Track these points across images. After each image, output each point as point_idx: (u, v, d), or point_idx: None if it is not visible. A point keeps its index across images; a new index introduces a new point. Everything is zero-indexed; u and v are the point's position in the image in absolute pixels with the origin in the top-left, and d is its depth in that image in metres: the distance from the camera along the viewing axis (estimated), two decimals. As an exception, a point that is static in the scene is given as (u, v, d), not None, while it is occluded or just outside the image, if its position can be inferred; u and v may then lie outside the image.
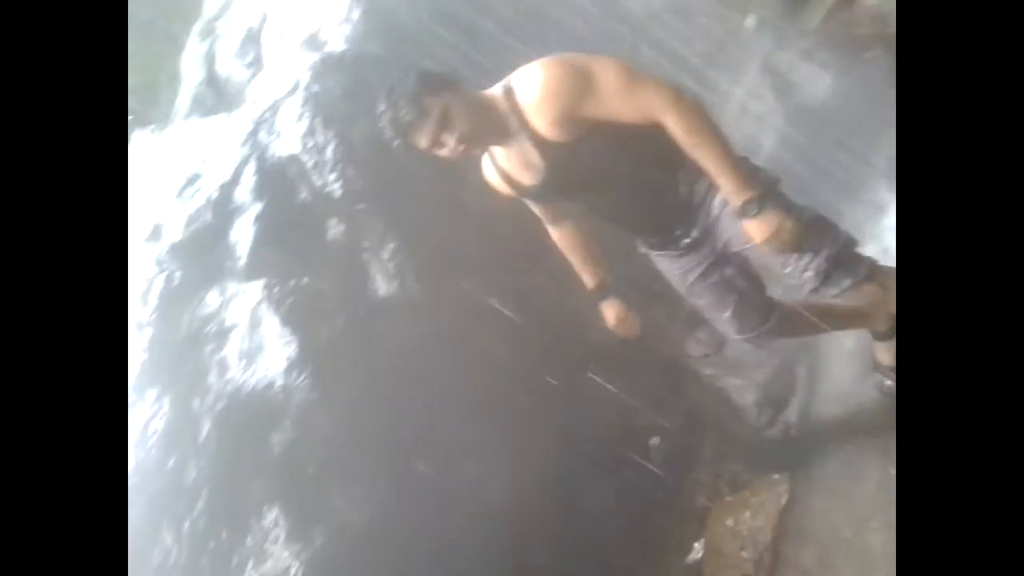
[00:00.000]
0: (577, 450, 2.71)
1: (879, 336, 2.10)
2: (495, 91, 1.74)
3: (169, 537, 2.20)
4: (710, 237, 1.89)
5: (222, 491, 2.26)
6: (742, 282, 1.99)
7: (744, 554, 2.59)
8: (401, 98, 1.67)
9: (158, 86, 5.01)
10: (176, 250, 2.70)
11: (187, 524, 2.21)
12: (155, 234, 2.78)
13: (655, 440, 3.05)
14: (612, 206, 1.88)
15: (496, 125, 1.72)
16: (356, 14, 3.44)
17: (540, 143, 1.70)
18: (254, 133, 3.02)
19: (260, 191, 2.85)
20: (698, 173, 1.74)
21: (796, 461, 2.67)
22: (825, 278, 1.80)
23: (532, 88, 1.65)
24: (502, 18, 3.54)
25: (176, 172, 3.04)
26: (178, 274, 2.64)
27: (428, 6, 3.49)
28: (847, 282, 1.82)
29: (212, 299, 2.59)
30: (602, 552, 2.48)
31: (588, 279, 2.08)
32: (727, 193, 1.71)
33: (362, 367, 2.42)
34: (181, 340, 2.47)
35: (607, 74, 1.63)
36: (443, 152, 1.71)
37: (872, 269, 1.86)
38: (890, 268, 1.94)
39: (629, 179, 1.78)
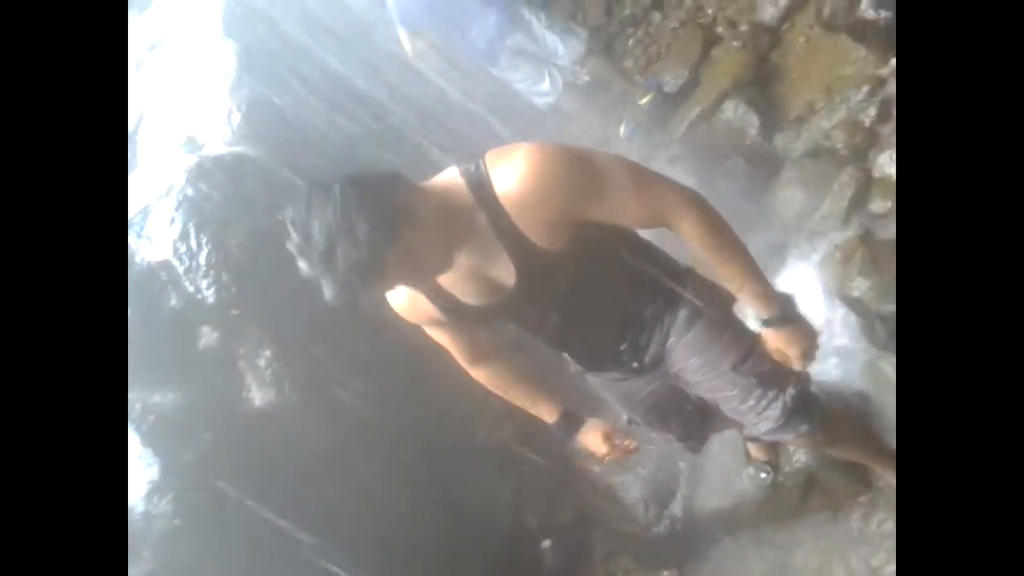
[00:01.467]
0: (469, 554, 2.63)
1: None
2: (451, 178, 1.37)
3: None
4: (662, 362, 1.65)
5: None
6: (691, 401, 1.80)
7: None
8: (354, 268, 1.23)
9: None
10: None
11: None
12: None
13: (547, 543, 3.02)
14: (570, 325, 1.57)
15: (449, 228, 1.35)
16: (236, 116, 3.42)
17: (519, 248, 1.35)
18: (122, 237, 2.90)
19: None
20: (657, 289, 1.56)
21: (684, 554, 2.70)
22: (787, 420, 1.63)
23: (525, 178, 1.31)
24: (390, 119, 3.60)
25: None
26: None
27: (309, 110, 3.51)
28: (804, 427, 1.66)
29: (66, 418, 2.40)
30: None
31: (547, 413, 1.75)
32: (753, 299, 1.51)
33: (232, 486, 2.28)
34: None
35: (616, 169, 1.37)
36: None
37: (825, 416, 1.71)
38: (837, 412, 1.84)
39: (599, 292, 1.52)
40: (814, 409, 1.68)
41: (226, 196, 3.01)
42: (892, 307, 2.45)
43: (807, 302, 3.12)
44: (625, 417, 1.90)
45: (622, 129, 3.94)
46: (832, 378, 2.75)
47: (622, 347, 1.63)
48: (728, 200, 3.49)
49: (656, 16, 4.27)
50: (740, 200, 3.48)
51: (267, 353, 2.70)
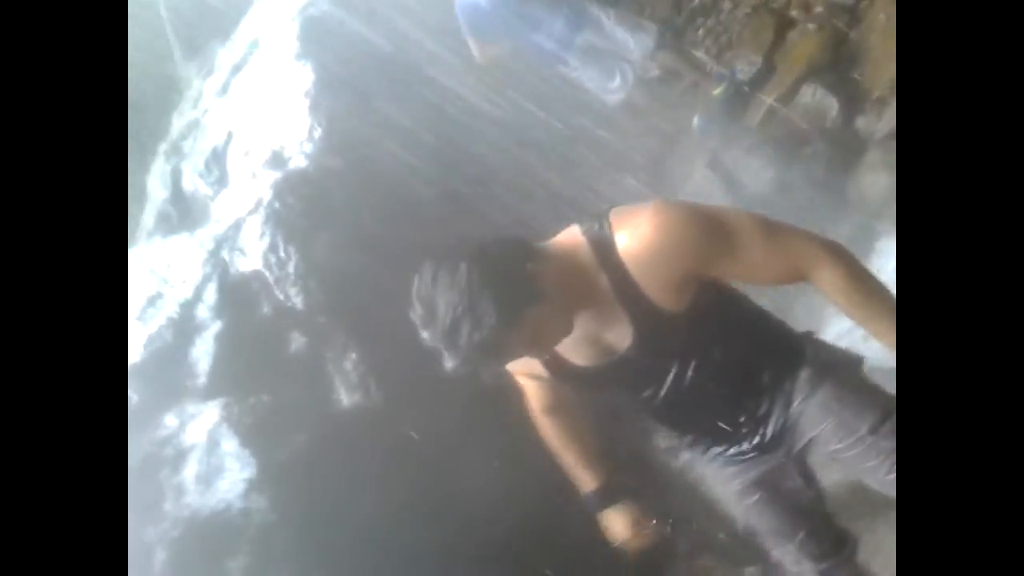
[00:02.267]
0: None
1: None
2: (573, 237, 1.36)
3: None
4: (788, 435, 1.50)
5: (178, 624, 2.17)
6: (814, 497, 1.60)
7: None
8: (478, 347, 1.24)
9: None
10: (135, 372, 2.69)
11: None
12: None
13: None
14: (684, 394, 1.46)
15: (582, 293, 1.34)
16: (317, 131, 3.57)
17: (639, 308, 1.32)
18: (216, 251, 3.07)
19: (221, 308, 2.88)
20: (775, 353, 1.46)
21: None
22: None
23: (651, 237, 1.29)
24: (455, 130, 3.67)
25: (137, 293, 3.06)
26: (135, 397, 2.62)
27: (388, 122, 3.62)
28: None
29: (170, 421, 2.56)
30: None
31: (589, 479, 1.64)
32: None
33: (323, 484, 2.38)
34: (136, 466, 2.42)
35: (747, 225, 1.32)
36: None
37: None
38: None
39: (719, 358, 1.43)
40: None
41: (310, 208, 3.14)
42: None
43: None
44: (741, 524, 1.68)
45: (695, 121, 3.88)
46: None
47: (741, 418, 1.50)
48: (809, 187, 3.41)
49: (726, 4, 4.19)
50: (822, 187, 3.38)
51: (353, 356, 2.80)
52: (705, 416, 1.53)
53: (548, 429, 1.64)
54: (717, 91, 3.77)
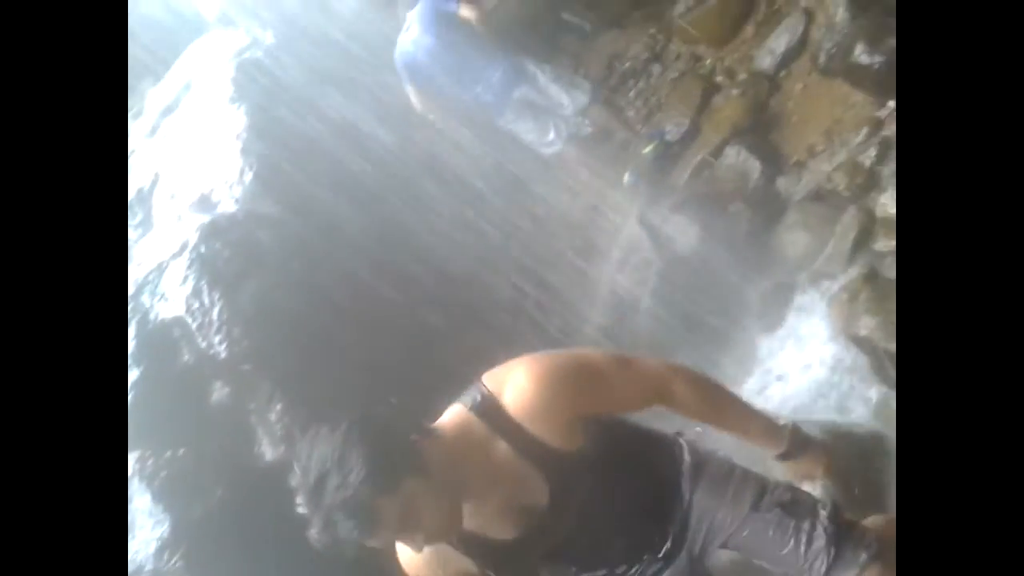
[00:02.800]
0: None
1: None
2: (459, 413, 1.38)
3: None
4: (687, 535, 1.55)
5: None
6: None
7: None
8: (341, 507, 1.18)
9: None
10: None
11: None
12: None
13: None
14: (606, 523, 1.50)
15: (479, 466, 1.34)
16: (248, 175, 3.51)
17: (545, 456, 1.36)
18: (137, 295, 2.96)
19: (139, 355, 2.76)
20: (663, 458, 1.53)
21: None
22: (838, 550, 1.49)
23: (534, 390, 1.34)
24: (390, 177, 3.68)
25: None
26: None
27: (319, 168, 3.60)
28: (863, 555, 1.49)
29: (78, 475, 2.42)
30: None
31: None
32: (761, 441, 1.52)
33: (241, 544, 2.28)
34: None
35: (607, 364, 1.42)
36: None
37: (879, 541, 1.54)
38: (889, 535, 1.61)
39: (625, 479, 1.48)
40: (859, 530, 1.54)
41: (238, 253, 3.07)
42: (899, 345, 2.44)
43: (814, 343, 3.14)
44: None
45: (626, 177, 4.01)
46: (846, 419, 2.73)
47: (652, 522, 1.55)
48: (733, 244, 3.54)
49: (656, 68, 4.38)
50: (744, 244, 3.51)
51: (278, 407, 2.72)
52: (620, 543, 1.56)
53: None
54: (647, 149, 3.91)
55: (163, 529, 2.24)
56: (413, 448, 1.26)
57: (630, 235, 3.78)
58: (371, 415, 1.27)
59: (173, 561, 2.20)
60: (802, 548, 1.51)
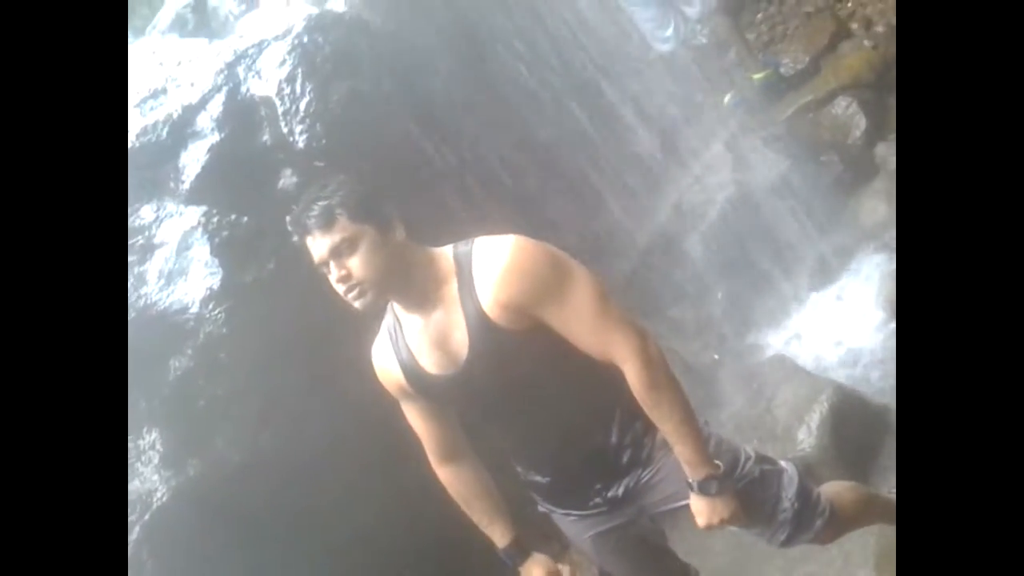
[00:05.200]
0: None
1: None
2: (444, 250, 1.48)
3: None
4: (635, 499, 1.61)
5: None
6: (659, 538, 1.75)
7: None
8: (318, 201, 1.40)
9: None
10: (123, 155, 2.65)
11: (61, 425, 2.15)
12: (105, 134, 2.72)
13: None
14: (525, 434, 1.57)
15: (423, 286, 1.44)
16: (361, -21, 3.46)
17: (475, 318, 1.41)
18: (233, 64, 3.00)
19: (223, 122, 2.83)
20: (636, 418, 1.52)
21: None
22: (797, 525, 1.62)
23: (498, 259, 1.40)
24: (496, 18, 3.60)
25: (140, 82, 2.99)
26: (118, 179, 2.58)
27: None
28: (818, 522, 1.63)
29: (146, 213, 2.55)
30: None
31: (500, 535, 1.66)
32: (685, 462, 1.49)
33: (279, 317, 2.42)
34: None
35: (582, 289, 1.41)
36: (332, 282, 1.43)
37: (832, 504, 1.67)
38: (848, 492, 1.77)
39: (558, 399, 1.51)
40: (816, 496, 1.65)
41: (336, 52, 3.08)
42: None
43: (856, 311, 3.14)
44: (596, 568, 1.80)
45: (728, 98, 3.91)
46: (869, 390, 2.78)
47: (593, 471, 1.58)
48: (812, 194, 3.49)
49: (793, -2, 4.19)
50: (823, 196, 3.47)
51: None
52: (556, 468, 1.60)
53: (450, 482, 1.66)
54: (759, 76, 3.79)
55: (214, 281, 2.37)
56: (388, 213, 1.44)
57: (713, 155, 3.74)
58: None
59: (217, 312, 2.34)
60: (766, 520, 1.61)
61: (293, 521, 2.21)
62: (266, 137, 2.88)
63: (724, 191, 3.57)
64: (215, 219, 2.49)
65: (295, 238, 1.44)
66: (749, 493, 1.56)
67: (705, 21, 3.73)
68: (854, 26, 3.89)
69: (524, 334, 1.41)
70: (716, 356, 3.27)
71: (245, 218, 2.56)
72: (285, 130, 2.88)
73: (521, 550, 1.67)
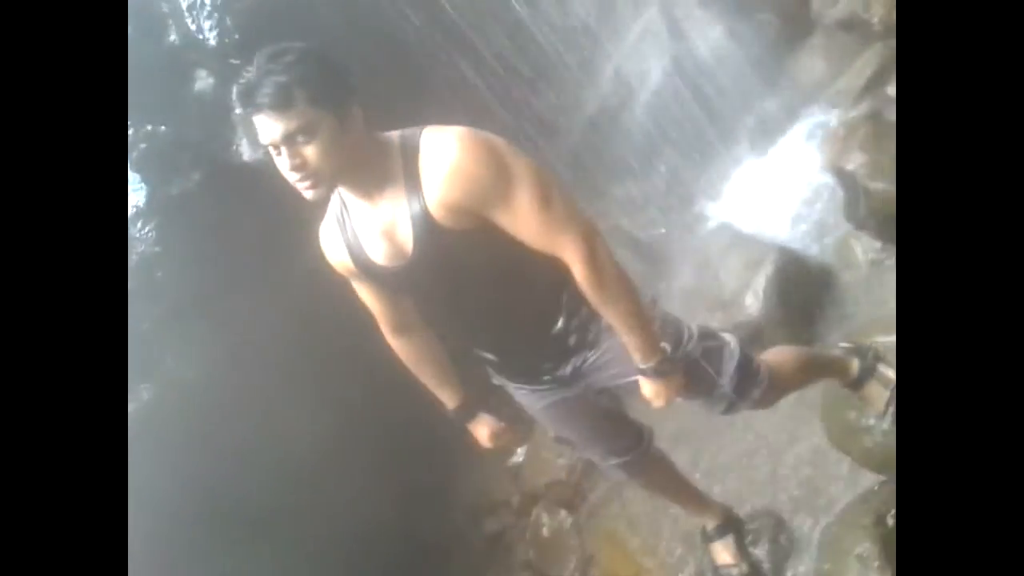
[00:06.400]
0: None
1: (712, 535, 2.03)
2: (391, 136, 1.42)
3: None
4: (583, 377, 1.65)
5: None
6: (609, 401, 1.77)
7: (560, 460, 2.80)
8: (274, 72, 1.26)
9: None
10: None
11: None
12: None
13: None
14: (473, 322, 1.59)
15: (373, 175, 1.39)
16: None
17: (421, 217, 1.38)
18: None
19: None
20: (582, 303, 1.51)
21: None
22: (737, 397, 1.66)
23: (442, 159, 1.35)
24: None
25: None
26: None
27: None
28: (756, 392, 1.68)
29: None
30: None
31: (448, 398, 1.74)
32: (633, 351, 1.52)
33: (208, 228, 2.34)
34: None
35: (528, 184, 1.37)
36: (280, 167, 1.34)
37: (772, 371, 1.71)
38: (784, 353, 1.80)
39: (504, 292, 1.52)
40: (756, 371, 1.68)
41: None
42: (882, 185, 2.48)
43: (798, 172, 3.18)
44: (552, 434, 1.86)
45: (659, -41, 3.74)
46: (813, 251, 2.84)
47: (541, 354, 1.61)
48: (749, 55, 3.43)
49: None
50: (763, 55, 3.41)
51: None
52: (504, 348, 1.62)
53: (401, 350, 1.69)
54: (691, -69, 3.61)
55: (139, 198, 2.26)
56: (348, 97, 1.33)
57: (648, 21, 3.61)
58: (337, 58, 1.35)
59: (147, 231, 2.24)
60: (706, 393, 1.64)
61: (254, 434, 2.22)
62: (173, 37, 2.69)
63: (660, 59, 3.48)
64: (132, 131, 2.34)
65: (238, 111, 1.30)
66: (690, 371, 1.60)
67: None
68: None
69: (469, 233, 1.39)
70: (663, 230, 3.29)
71: (163, 128, 2.41)
72: (193, 27, 2.68)
73: (468, 411, 1.73)
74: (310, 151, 1.29)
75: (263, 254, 2.26)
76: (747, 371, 1.68)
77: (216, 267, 2.30)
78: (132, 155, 2.31)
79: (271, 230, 2.40)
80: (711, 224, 3.13)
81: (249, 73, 1.26)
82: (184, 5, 2.69)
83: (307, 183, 1.32)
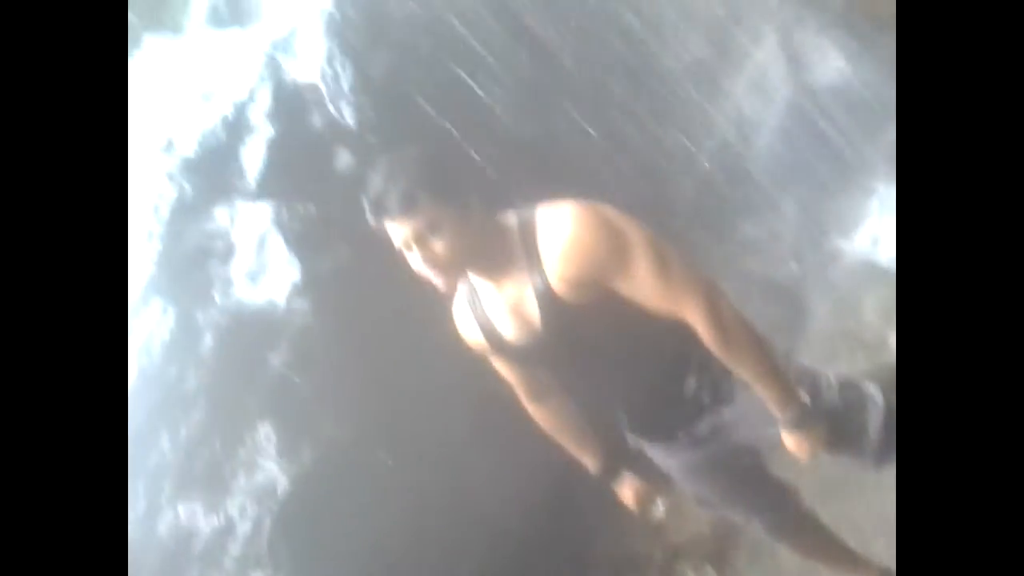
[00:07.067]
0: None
1: None
2: (509, 219, 1.47)
3: (165, 443, 2.32)
4: (720, 435, 1.63)
5: (219, 403, 2.36)
6: (751, 460, 1.73)
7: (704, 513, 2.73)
8: (397, 180, 1.36)
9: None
10: (188, 165, 2.75)
11: (183, 431, 2.33)
12: (168, 147, 2.82)
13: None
14: (606, 388, 1.62)
15: (496, 259, 1.44)
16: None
17: (545, 294, 1.42)
18: (272, 54, 3.03)
19: (274, 114, 2.88)
20: (712, 361, 1.50)
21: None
22: (885, 451, 1.57)
23: (559, 234, 1.40)
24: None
25: (190, 84, 3.05)
26: (188, 188, 2.69)
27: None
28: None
29: (221, 216, 2.65)
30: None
31: (589, 461, 1.73)
32: (770, 403, 1.49)
33: (360, 299, 2.51)
34: (188, 253, 2.54)
35: (643, 252, 1.40)
36: (413, 263, 1.41)
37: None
38: None
39: (634, 356, 1.54)
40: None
41: (369, 21, 3.06)
42: None
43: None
44: (691, 494, 1.82)
45: (774, -9, 3.68)
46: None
47: (674, 415, 1.61)
48: (878, 83, 3.30)
49: None
50: (890, 84, 3.29)
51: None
52: (636, 411, 1.64)
53: (539, 418, 1.72)
54: (804, -38, 3.56)
55: (295, 274, 2.47)
56: (467, 189, 1.42)
57: (766, 54, 3.57)
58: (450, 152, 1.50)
59: (303, 302, 2.45)
60: (852, 450, 1.57)
61: (408, 491, 2.35)
62: (317, 121, 2.93)
63: (782, 91, 3.42)
64: (285, 213, 2.57)
65: (371, 220, 1.41)
66: (833, 423, 1.54)
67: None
68: None
69: (593, 304, 1.43)
70: (794, 267, 3.21)
71: (312, 207, 2.63)
72: (333, 111, 2.91)
73: (611, 473, 1.74)
74: (438, 245, 1.37)
75: (407, 322, 2.40)
76: (895, 425, 1.56)
77: (366, 337, 2.47)
78: (288, 236, 2.53)
79: (414, 300, 2.55)
80: (848, 260, 3.02)
81: (375, 184, 1.37)
82: (325, 93, 2.94)
83: (439, 275, 1.41)
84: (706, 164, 3.48)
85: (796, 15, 3.58)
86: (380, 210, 1.37)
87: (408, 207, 1.35)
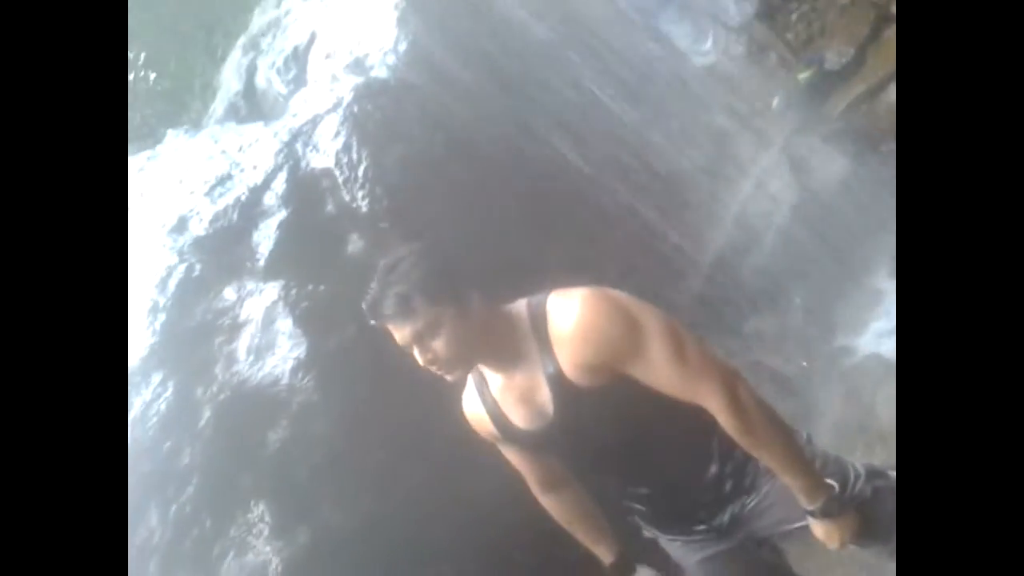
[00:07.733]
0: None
1: None
2: (519, 307, 1.47)
3: (155, 518, 2.23)
4: (742, 526, 1.57)
5: (212, 480, 2.28)
6: (772, 557, 1.68)
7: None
8: (391, 284, 1.39)
9: (190, 93, 5.18)
10: (199, 243, 2.78)
11: (174, 508, 2.24)
12: (180, 226, 2.86)
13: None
14: (620, 477, 1.57)
15: (505, 349, 1.44)
16: (402, 45, 3.59)
17: (556, 379, 1.41)
18: (291, 143, 3.13)
19: (288, 198, 2.94)
20: (734, 448, 1.46)
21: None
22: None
23: (570, 320, 1.39)
24: (531, 61, 3.68)
25: (207, 172, 3.14)
26: (198, 266, 2.71)
27: (465, 47, 3.64)
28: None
29: (229, 294, 2.65)
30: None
31: (604, 553, 1.67)
32: (797, 492, 1.44)
33: (365, 379, 2.47)
34: (193, 329, 2.52)
35: (659, 336, 1.38)
36: (418, 360, 1.43)
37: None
38: None
39: (651, 442, 1.49)
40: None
41: (387, 118, 3.18)
42: None
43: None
44: None
45: (775, 101, 3.88)
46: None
47: (694, 505, 1.56)
48: (878, 187, 3.41)
49: (827, -10, 4.15)
50: (890, 189, 3.38)
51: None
52: (655, 502, 1.59)
53: (551, 508, 1.68)
54: (803, 75, 3.76)
55: (300, 351, 2.44)
56: (464, 287, 1.42)
57: (769, 162, 3.69)
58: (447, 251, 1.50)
59: (306, 380, 2.40)
60: (883, 540, 1.50)
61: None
62: (330, 207, 2.98)
63: (788, 195, 3.52)
64: (293, 292, 2.58)
65: (370, 322, 1.43)
66: (864, 513, 1.48)
67: (742, 29, 3.72)
68: (894, 10, 3.82)
69: (607, 390, 1.41)
70: (804, 363, 3.18)
71: (321, 287, 2.64)
72: (347, 198, 2.97)
73: (626, 566, 1.66)
74: (438, 344, 1.38)
75: (412, 404, 2.35)
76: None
77: (369, 418, 2.41)
78: (295, 313, 2.52)
79: (419, 382, 2.52)
80: (858, 356, 3.00)
81: (372, 289, 1.41)
82: (340, 180, 3.01)
83: (443, 370, 1.42)
84: (710, 262, 3.53)
85: (797, 127, 3.74)
86: (378, 315, 1.41)
87: (404, 311, 1.37)
